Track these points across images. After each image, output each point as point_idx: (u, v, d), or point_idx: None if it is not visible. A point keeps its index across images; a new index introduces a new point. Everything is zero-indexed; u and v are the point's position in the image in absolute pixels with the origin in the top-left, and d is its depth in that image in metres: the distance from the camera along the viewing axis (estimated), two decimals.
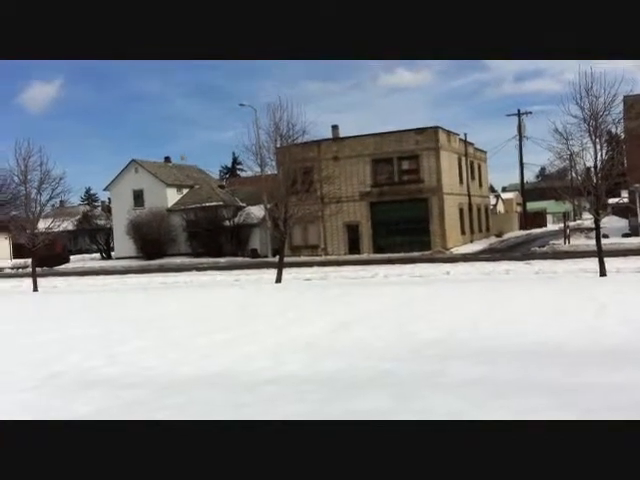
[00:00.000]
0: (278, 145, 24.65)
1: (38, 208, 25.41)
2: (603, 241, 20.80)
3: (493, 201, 65.77)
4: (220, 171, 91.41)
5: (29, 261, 31.11)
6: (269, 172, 28.17)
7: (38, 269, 28.93)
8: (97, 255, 55.67)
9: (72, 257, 53.46)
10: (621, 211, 42.43)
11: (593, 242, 22.03)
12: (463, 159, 45.10)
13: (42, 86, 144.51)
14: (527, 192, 64.43)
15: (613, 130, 20.91)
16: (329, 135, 42.66)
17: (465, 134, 46.36)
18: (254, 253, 43.91)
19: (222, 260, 42.05)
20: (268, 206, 33.85)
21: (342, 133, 43.55)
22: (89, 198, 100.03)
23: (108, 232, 54.76)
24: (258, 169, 28.78)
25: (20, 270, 41.12)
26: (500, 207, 71.46)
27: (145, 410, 6.37)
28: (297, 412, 5.98)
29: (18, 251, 49.19)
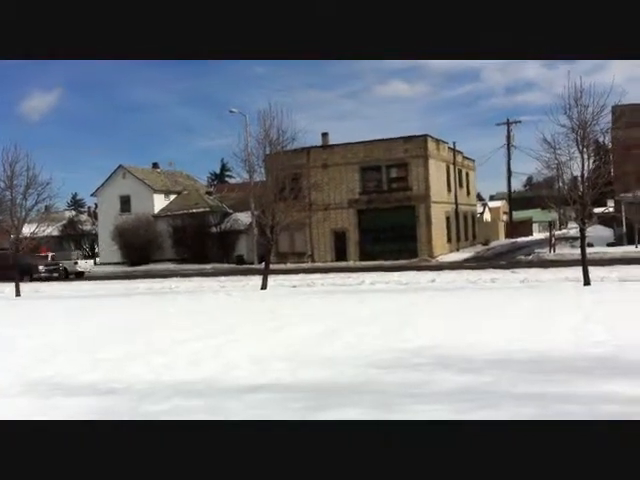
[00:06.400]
0: (267, 152, 24.60)
1: (23, 213, 25.31)
2: (588, 250, 20.88)
3: (480, 209, 66.08)
4: (208, 177, 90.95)
5: None
6: (257, 179, 28.07)
7: None
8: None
9: None
10: (607, 220, 42.74)
11: (578, 251, 22.11)
12: (451, 167, 45.29)
13: (39, 95, 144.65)
14: (514, 201, 64.72)
15: (601, 140, 21.04)
16: (319, 142, 42.63)
17: (454, 142, 46.59)
18: (240, 260, 43.75)
19: (208, 266, 41.87)
20: (256, 213, 33.75)
21: (335, 141, 43.43)
22: (75, 204, 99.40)
23: (93, 238, 54.43)
24: (246, 176, 28.65)
25: None
26: (487, 215, 71.79)
27: (127, 417, 6.28)
28: (281, 419, 5.92)
29: None
